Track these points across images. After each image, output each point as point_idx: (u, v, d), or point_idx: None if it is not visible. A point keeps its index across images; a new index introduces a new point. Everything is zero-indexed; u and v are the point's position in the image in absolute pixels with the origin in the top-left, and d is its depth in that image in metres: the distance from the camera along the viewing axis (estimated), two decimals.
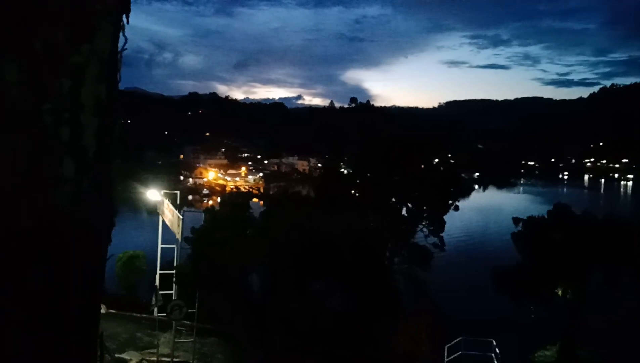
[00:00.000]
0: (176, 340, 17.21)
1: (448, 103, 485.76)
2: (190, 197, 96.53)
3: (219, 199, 54.41)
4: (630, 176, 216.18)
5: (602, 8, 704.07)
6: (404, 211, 39.45)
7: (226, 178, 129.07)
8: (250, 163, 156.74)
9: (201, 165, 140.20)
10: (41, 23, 1.75)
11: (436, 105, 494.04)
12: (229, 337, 21.11)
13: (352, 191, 39.28)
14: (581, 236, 21.72)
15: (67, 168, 1.84)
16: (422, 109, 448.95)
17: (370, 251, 22.74)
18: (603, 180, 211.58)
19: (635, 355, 24.26)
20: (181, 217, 21.68)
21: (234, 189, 52.08)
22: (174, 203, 23.15)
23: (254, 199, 38.86)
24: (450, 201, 39.42)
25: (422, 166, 40.07)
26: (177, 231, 21.93)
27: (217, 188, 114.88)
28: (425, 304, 33.78)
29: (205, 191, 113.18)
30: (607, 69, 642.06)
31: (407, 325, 26.61)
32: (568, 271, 21.67)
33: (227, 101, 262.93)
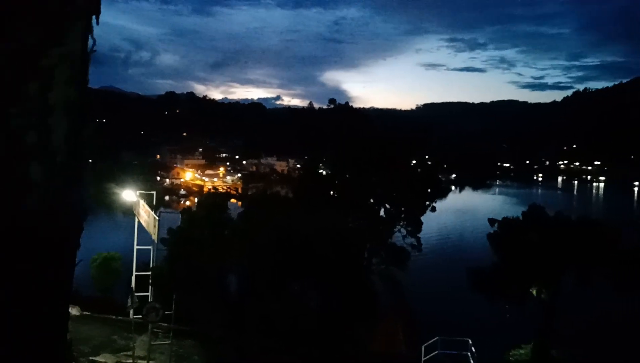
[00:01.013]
0: (152, 343, 16.97)
1: (426, 105, 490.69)
2: (167, 198, 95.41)
3: (196, 200, 53.94)
4: (602, 178, 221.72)
5: (575, 14, 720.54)
6: (382, 212, 39.72)
7: (204, 178, 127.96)
8: (228, 164, 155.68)
9: (178, 165, 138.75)
10: (10, 26, 1.71)
11: (414, 107, 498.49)
12: (207, 338, 20.93)
13: (331, 192, 39.37)
14: (554, 237, 22.17)
15: (35, 172, 1.80)
16: (401, 111, 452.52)
17: (348, 252, 22.82)
18: (576, 182, 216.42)
19: (607, 354, 24.88)
20: (157, 218, 21.45)
21: (212, 190, 51.63)
22: (150, 203, 22.89)
23: (232, 200, 38.67)
24: (427, 202, 39.84)
25: (400, 168, 40.36)
26: (153, 232, 21.69)
27: (194, 188, 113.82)
28: (403, 304, 34.06)
29: (183, 191, 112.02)
30: (580, 73, 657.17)
31: (384, 324, 26.77)
32: (542, 271, 22.10)
33: (205, 100, 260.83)
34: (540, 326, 22.52)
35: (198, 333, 21.21)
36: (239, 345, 20.95)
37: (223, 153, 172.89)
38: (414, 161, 46.23)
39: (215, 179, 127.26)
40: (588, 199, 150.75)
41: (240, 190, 65.80)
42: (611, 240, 21.89)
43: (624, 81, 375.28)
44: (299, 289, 22.39)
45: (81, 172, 2.00)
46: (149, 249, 22.85)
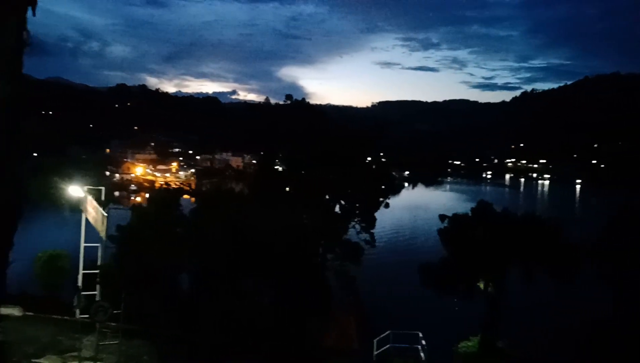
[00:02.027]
0: (100, 343, 16.51)
1: (381, 103, 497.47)
2: (116, 193, 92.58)
3: (147, 196, 52.58)
4: (547, 176, 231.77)
5: (524, 18, 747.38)
6: (337, 209, 39.99)
7: (156, 173, 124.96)
8: (181, 159, 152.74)
9: (129, 160, 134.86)
10: None
11: (370, 105, 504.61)
12: (157, 337, 20.53)
13: (287, 189, 39.31)
14: (501, 232, 23.04)
15: None
16: (357, 108, 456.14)
17: (303, 248, 22.90)
18: (523, 179, 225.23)
19: (550, 344, 26.13)
20: (106, 214, 20.86)
21: (164, 186, 50.38)
22: (98, 199, 22.19)
23: (185, 196, 37.95)
24: (381, 199, 40.43)
25: (356, 165, 40.75)
26: (101, 229, 21.08)
27: (145, 184, 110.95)
28: (356, 299, 34.49)
29: (133, 187, 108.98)
30: (528, 75, 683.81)
31: (338, 320, 27.06)
32: (488, 266, 22.93)
33: (158, 93, 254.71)
34: (487, 319, 23.36)
35: (148, 332, 20.79)
36: (191, 343, 20.67)
37: (176, 148, 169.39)
38: (368, 158, 46.77)
39: (168, 175, 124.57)
40: (533, 197, 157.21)
41: (193, 186, 64.69)
42: (553, 236, 22.94)
43: (569, 83, 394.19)
44: (254, 286, 22.29)
45: (14, 168, 1.94)
46: (97, 246, 22.21)
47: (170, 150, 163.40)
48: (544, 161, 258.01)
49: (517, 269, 23.32)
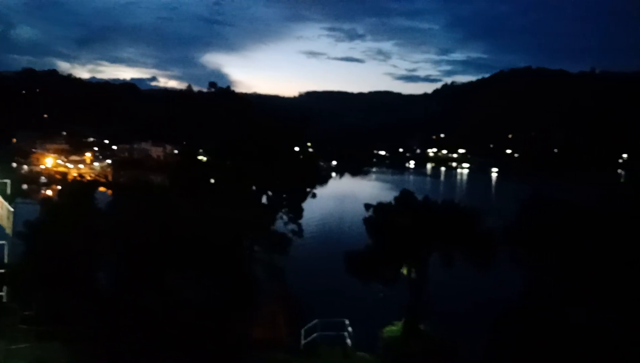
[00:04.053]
0: (9, 347, 15.32)
1: (308, 93, 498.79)
2: (25, 186, 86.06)
3: (59, 189, 49.28)
4: (466, 165, 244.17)
5: (444, 11, 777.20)
6: (264, 199, 39.72)
7: (68, 165, 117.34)
8: (96, 149, 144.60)
9: (39, 151, 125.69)
10: None
11: (297, 94, 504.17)
12: (76, 338, 19.39)
13: (211, 180, 38.42)
14: (422, 220, 23.94)
15: None
16: (283, 98, 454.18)
17: (228, 241, 22.46)
18: (443, 169, 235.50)
19: (466, 325, 27.59)
20: (12, 210, 19.39)
21: (78, 178, 47.47)
22: (3, 193, 20.55)
23: (102, 188, 35.99)
24: (308, 189, 40.66)
25: (283, 155, 40.61)
26: (7, 225, 19.61)
27: (57, 176, 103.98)
28: (284, 290, 34.50)
29: (43, 179, 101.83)
30: (449, 68, 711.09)
31: (265, 312, 26.92)
32: (411, 252, 23.76)
33: (70, 79, 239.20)
34: (410, 303, 24.21)
35: (66, 333, 19.62)
36: (112, 343, 19.70)
37: (91, 137, 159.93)
38: (296, 149, 46.82)
39: (82, 166, 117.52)
40: (453, 185, 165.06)
41: (110, 178, 61.55)
42: (470, 222, 24.15)
43: (486, 76, 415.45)
44: (177, 281, 21.57)
45: None
46: (3, 244, 20.60)
47: (84, 140, 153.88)
48: (463, 151, 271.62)
49: (438, 255, 24.31)
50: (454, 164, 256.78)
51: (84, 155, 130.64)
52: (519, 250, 21.07)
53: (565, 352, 17.96)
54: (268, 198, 39.56)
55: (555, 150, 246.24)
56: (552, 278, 19.53)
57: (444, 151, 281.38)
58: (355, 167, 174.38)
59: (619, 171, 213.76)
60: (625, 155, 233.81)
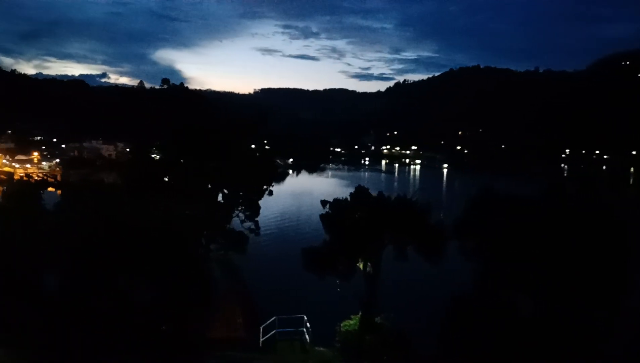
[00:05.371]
0: None
1: (263, 90, 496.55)
2: None
3: (4, 190, 47.05)
4: (418, 161, 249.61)
5: (396, 10, 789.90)
6: (220, 198, 39.28)
7: (14, 164, 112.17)
8: (44, 148, 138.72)
9: None
10: None
11: (252, 91, 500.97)
12: (24, 345, 18.71)
13: (165, 178, 37.66)
14: (376, 215, 24.41)
15: None
16: (238, 94, 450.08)
17: (182, 240, 22.18)
18: (397, 165, 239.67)
19: (420, 316, 28.38)
20: None
21: (24, 178, 45.39)
22: None
23: (50, 189, 34.70)
24: (265, 186, 40.50)
25: (238, 152, 40.29)
26: None
27: (2, 176, 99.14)
28: (242, 288, 34.37)
29: None
30: (401, 66, 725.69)
31: (222, 311, 26.77)
32: (366, 247, 24.19)
33: (15, 75, 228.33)
34: (366, 297, 24.65)
35: (12, 340, 18.91)
36: (64, 347, 19.13)
37: (38, 136, 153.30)
38: (252, 146, 46.50)
39: (29, 166, 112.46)
40: (406, 181, 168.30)
41: (59, 177, 59.28)
42: (422, 216, 24.81)
43: (436, 74, 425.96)
44: (129, 283, 21.12)
45: None
46: None
47: (31, 138, 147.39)
48: (415, 147, 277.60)
49: (392, 248, 24.84)
50: (407, 160, 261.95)
51: (31, 154, 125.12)
52: (468, 242, 21.81)
53: (513, 340, 18.82)
54: (224, 195, 39.18)
55: (503, 146, 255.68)
56: (499, 269, 20.37)
57: (397, 148, 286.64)
58: (312, 164, 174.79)
59: (563, 165, 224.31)
60: (568, 150, 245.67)
